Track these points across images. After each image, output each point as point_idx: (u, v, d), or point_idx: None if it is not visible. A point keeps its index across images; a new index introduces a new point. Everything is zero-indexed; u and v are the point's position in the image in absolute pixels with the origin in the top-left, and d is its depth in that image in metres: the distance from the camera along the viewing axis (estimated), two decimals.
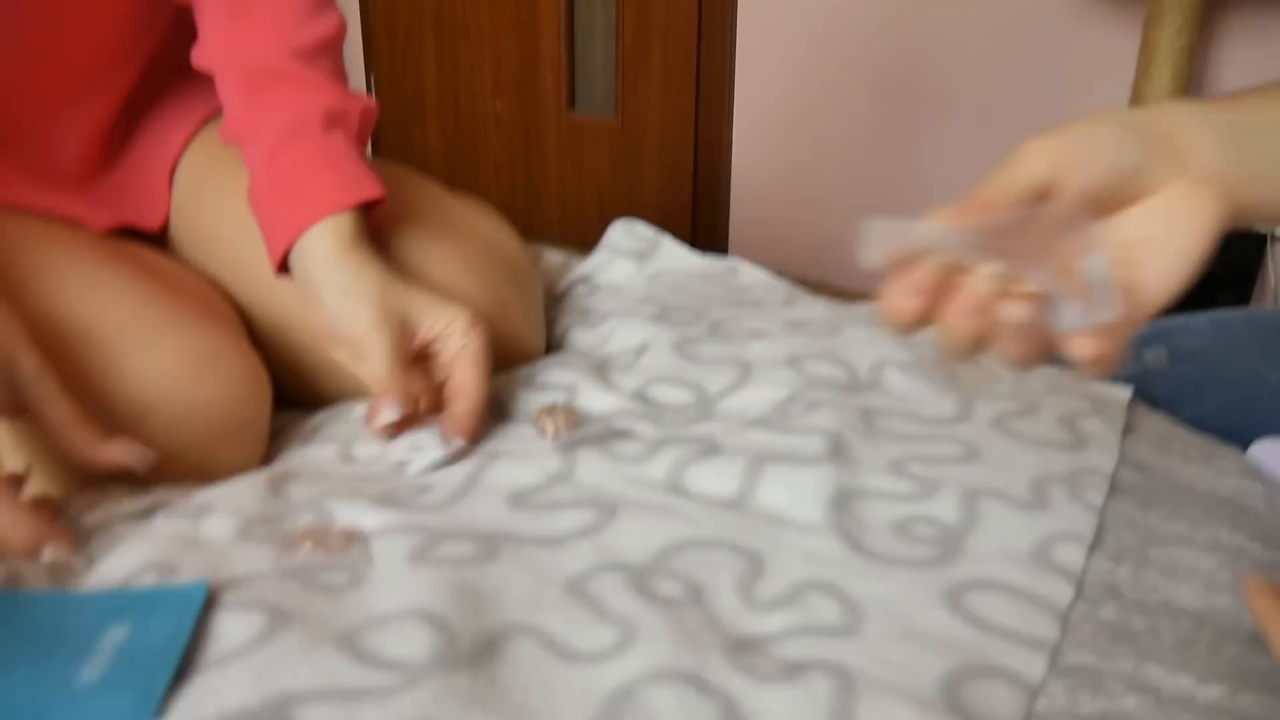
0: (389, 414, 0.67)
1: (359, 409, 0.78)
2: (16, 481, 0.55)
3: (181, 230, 0.86)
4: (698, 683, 0.47)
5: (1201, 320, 0.86)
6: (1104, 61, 2.05)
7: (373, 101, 0.78)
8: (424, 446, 0.68)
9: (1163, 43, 1.76)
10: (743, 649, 0.50)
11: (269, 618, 0.49)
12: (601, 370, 0.81)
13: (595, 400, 0.74)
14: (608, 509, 0.61)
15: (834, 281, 2.41)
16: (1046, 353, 0.45)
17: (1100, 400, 0.75)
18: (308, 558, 0.55)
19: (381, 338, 0.68)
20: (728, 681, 0.47)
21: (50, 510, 0.56)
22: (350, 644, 0.48)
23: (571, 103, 2.61)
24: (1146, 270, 0.45)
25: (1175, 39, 1.75)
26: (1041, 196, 0.44)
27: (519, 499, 0.62)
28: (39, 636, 0.47)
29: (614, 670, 0.48)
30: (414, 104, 2.80)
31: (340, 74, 0.78)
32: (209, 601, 0.50)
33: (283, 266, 0.73)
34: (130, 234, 0.84)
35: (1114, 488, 0.65)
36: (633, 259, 1.01)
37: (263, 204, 0.74)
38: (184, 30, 0.82)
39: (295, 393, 0.82)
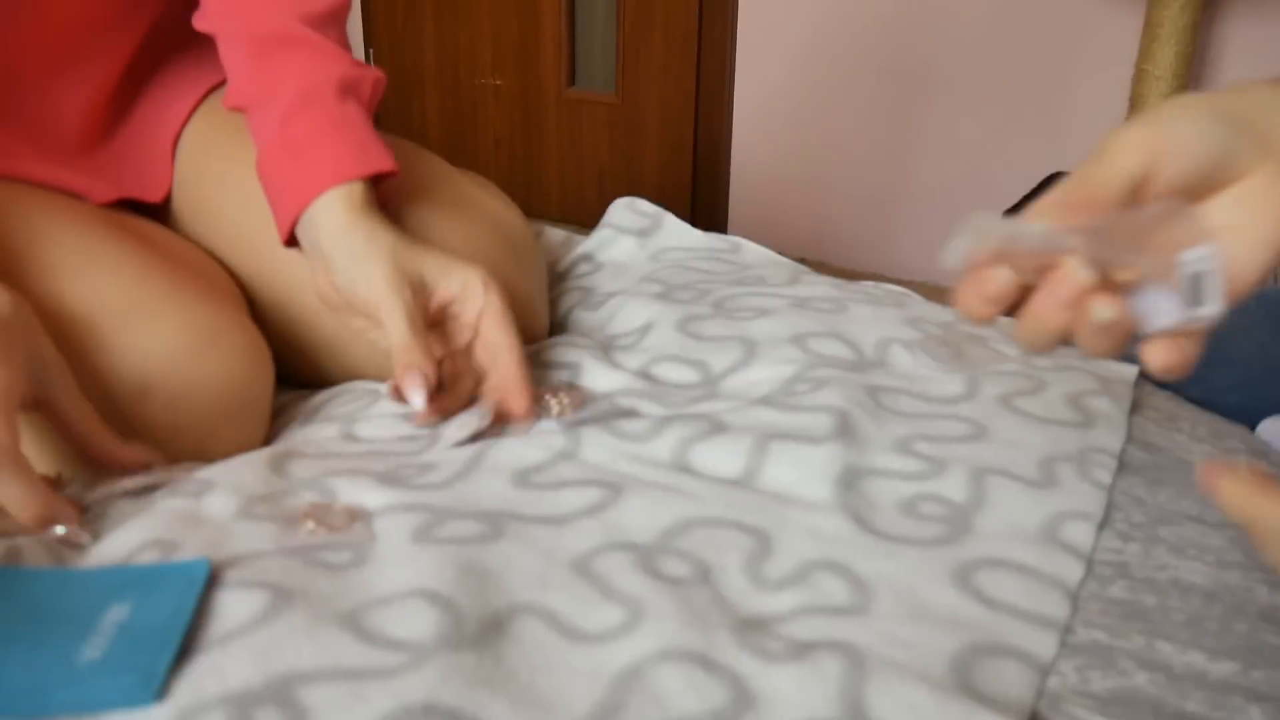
0: (418, 394, 0.65)
1: (363, 386, 0.78)
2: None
3: (183, 203, 0.85)
4: (706, 662, 0.46)
5: None
6: (1106, 41, 2.03)
7: (381, 73, 0.77)
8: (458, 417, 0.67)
9: (1166, 20, 1.75)
10: (751, 628, 0.49)
11: (272, 596, 0.48)
12: (605, 349, 0.80)
13: (600, 379, 0.74)
14: (613, 488, 0.60)
15: (833, 262, 2.41)
16: (1127, 347, 0.44)
17: (1107, 379, 0.75)
18: (310, 536, 0.54)
19: (398, 301, 0.66)
20: (736, 661, 0.47)
21: (56, 485, 0.56)
22: (354, 623, 0.47)
23: (572, 79, 2.60)
24: (1229, 260, 0.44)
25: (1179, 16, 1.74)
26: (1138, 189, 0.43)
27: (524, 478, 0.61)
28: (40, 614, 0.46)
29: (621, 650, 0.47)
30: (413, 79, 2.79)
31: (346, 43, 0.77)
32: (211, 579, 0.49)
33: (291, 239, 0.72)
34: (130, 206, 0.83)
35: (1122, 466, 0.65)
36: (635, 236, 1.01)
37: (272, 171, 0.72)
38: (187, 2, 0.81)
39: (297, 371, 0.81)
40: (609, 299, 0.89)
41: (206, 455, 0.66)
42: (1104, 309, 0.41)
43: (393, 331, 0.66)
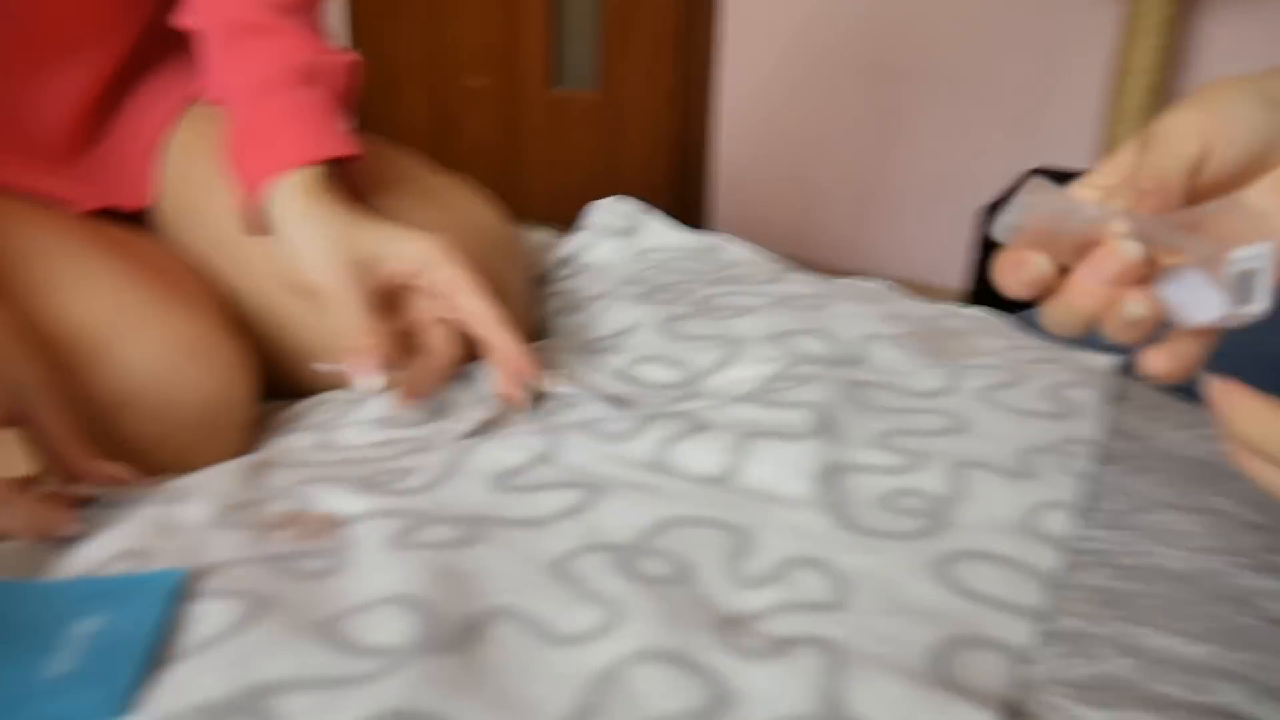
0: (366, 378, 0.65)
1: (343, 395, 0.77)
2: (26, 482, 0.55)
3: (167, 210, 0.84)
4: (685, 662, 0.46)
5: None
6: (1087, 36, 2.04)
7: (356, 56, 0.77)
8: (461, 404, 0.67)
9: (1145, 14, 1.75)
10: (731, 627, 0.49)
11: (247, 605, 0.48)
12: (586, 351, 0.80)
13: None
14: (592, 489, 0.60)
15: (816, 259, 2.41)
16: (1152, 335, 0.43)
17: (1087, 369, 0.75)
18: (286, 544, 0.54)
19: (346, 282, 0.66)
20: (716, 660, 0.47)
21: (31, 484, 0.56)
22: (330, 631, 0.47)
23: (555, 79, 2.60)
24: None
25: (1158, 11, 1.74)
26: (1194, 174, 0.42)
27: (501, 481, 0.61)
28: (7, 628, 0.46)
29: (600, 651, 0.47)
30: (396, 78, 2.78)
31: (320, 30, 0.77)
32: (185, 589, 0.49)
33: (259, 227, 0.72)
34: (110, 214, 0.82)
35: (1102, 455, 0.65)
36: (617, 237, 1.00)
37: (234, 160, 0.73)
38: (176, 6, 0.81)
39: (279, 379, 0.81)
40: (591, 303, 0.89)
41: (187, 466, 0.66)
42: (1135, 305, 0.41)
43: (340, 315, 0.66)
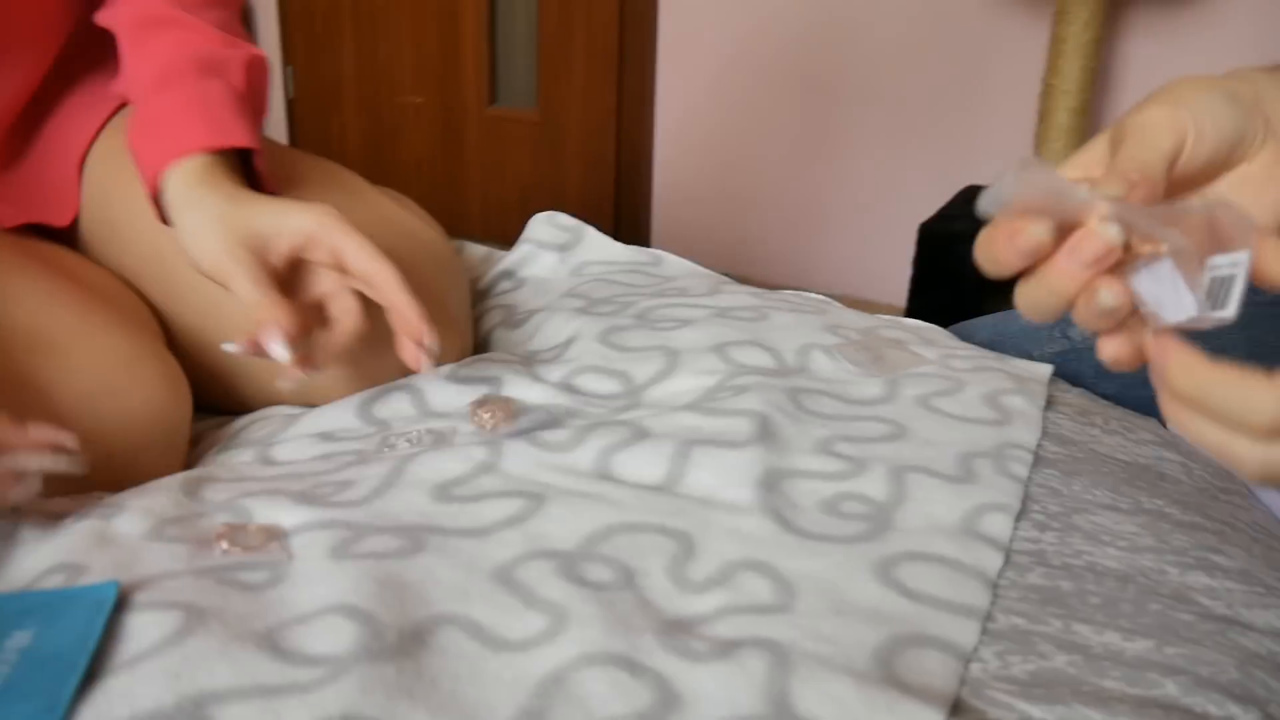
0: (278, 347, 0.63)
1: (281, 411, 0.76)
2: None
3: (92, 226, 0.82)
4: (630, 665, 0.46)
5: None
6: (1015, 56, 2.09)
7: (260, 52, 0.76)
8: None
9: (1070, 37, 1.80)
10: (676, 630, 0.49)
11: (184, 616, 0.47)
12: (527, 363, 0.79)
13: (522, 392, 0.73)
14: (535, 498, 0.60)
15: (755, 278, 2.42)
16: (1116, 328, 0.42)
17: (1022, 378, 0.76)
18: (225, 556, 0.53)
19: (235, 265, 0.65)
20: (661, 662, 0.46)
21: None
22: (271, 641, 0.46)
23: (493, 97, 2.59)
24: None
25: (1083, 33, 1.79)
26: (1171, 168, 0.42)
27: (444, 491, 0.61)
28: None
29: (544, 657, 0.47)
30: (332, 96, 2.76)
31: (230, 27, 0.77)
32: (120, 602, 0.47)
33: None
34: (37, 231, 0.80)
35: (1038, 460, 0.66)
36: (556, 251, 1.00)
37: (134, 149, 0.72)
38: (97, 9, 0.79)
39: (213, 397, 0.79)
40: (531, 316, 0.88)
41: (123, 487, 0.64)
42: (1109, 295, 0.40)
43: (240, 295, 0.65)
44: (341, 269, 0.68)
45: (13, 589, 0.51)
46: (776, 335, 0.81)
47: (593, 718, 0.43)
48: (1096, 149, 0.45)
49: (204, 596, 0.49)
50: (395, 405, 0.73)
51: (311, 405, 0.76)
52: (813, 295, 0.94)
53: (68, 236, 0.83)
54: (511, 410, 0.68)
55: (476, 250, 1.05)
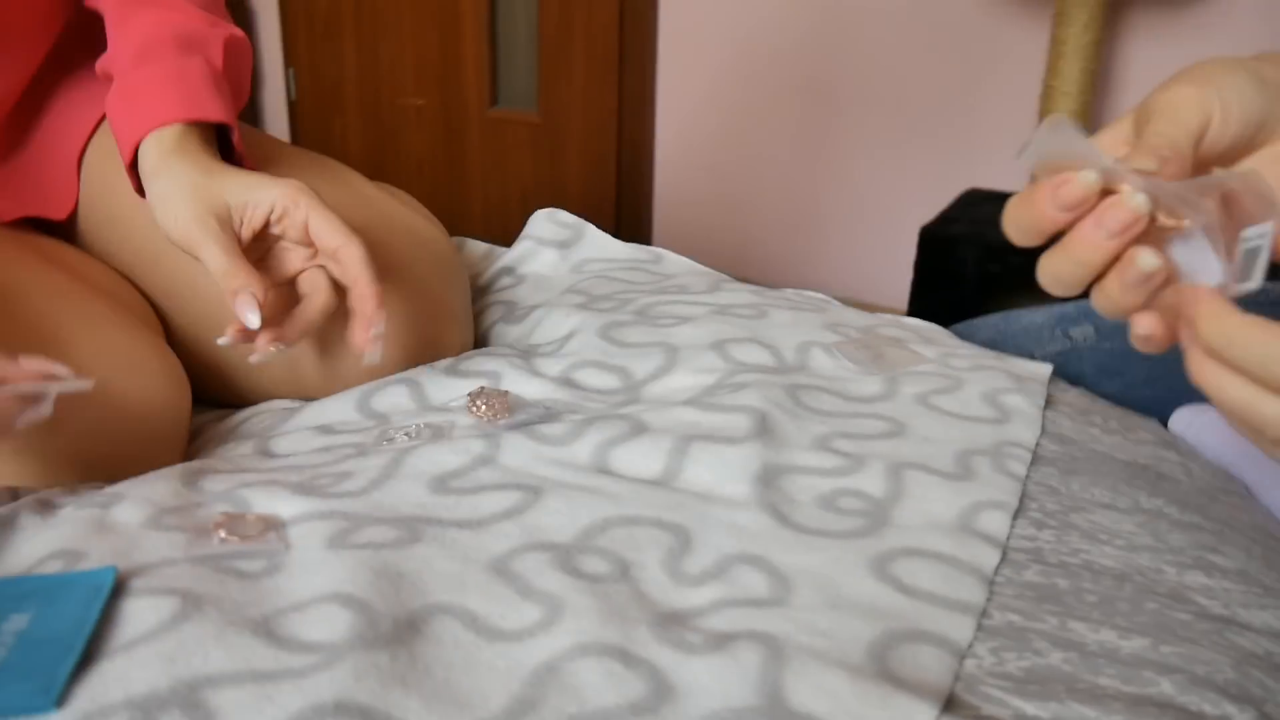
0: (252, 314, 0.64)
1: (280, 405, 0.76)
2: None
3: (90, 220, 0.82)
4: (624, 656, 0.46)
5: None
6: (1015, 58, 2.09)
7: (240, 32, 0.76)
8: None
9: (1070, 39, 1.80)
10: (671, 622, 0.49)
11: (181, 603, 0.47)
12: (526, 357, 0.79)
13: (521, 386, 0.73)
14: (533, 490, 0.60)
15: (755, 279, 2.42)
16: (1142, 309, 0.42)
17: (1022, 377, 0.76)
18: (223, 545, 0.53)
19: (205, 235, 0.65)
20: (655, 654, 0.46)
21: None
22: (266, 628, 0.46)
23: (494, 99, 2.59)
24: None
25: (1082, 35, 1.79)
26: (1198, 146, 0.42)
27: (441, 483, 0.61)
28: None
29: (539, 647, 0.47)
30: (334, 99, 2.76)
31: (212, 8, 0.77)
32: (118, 588, 0.48)
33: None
34: (35, 224, 0.80)
35: (1036, 458, 0.66)
36: (556, 248, 1.00)
37: (112, 123, 0.72)
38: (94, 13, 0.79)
39: (212, 390, 0.79)
40: (531, 311, 0.88)
41: (126, 478, 0.64)
42: (1148, 258, 0.40)
43: (209, 263, 0.65)
44: (310, 244, 0.68)
45: (12, 573, 0.51)
46: (776, 333, 0.81)
47: (586, 707, 0.43)
48: (1122, 128, 0.45)
49: (201, 584, 0.49)
50: (394, 399, 0.73)
51: (310, 399, 0.76)
52: (813, 294, 0.94)
53: (66, 230, 0.83)
54: (508, 403, 0.68)
55: (477, 247, 1.05)
